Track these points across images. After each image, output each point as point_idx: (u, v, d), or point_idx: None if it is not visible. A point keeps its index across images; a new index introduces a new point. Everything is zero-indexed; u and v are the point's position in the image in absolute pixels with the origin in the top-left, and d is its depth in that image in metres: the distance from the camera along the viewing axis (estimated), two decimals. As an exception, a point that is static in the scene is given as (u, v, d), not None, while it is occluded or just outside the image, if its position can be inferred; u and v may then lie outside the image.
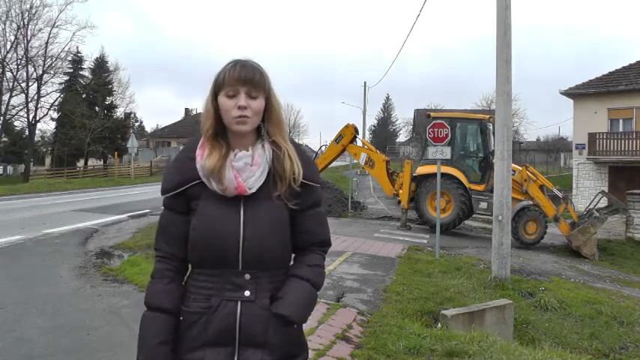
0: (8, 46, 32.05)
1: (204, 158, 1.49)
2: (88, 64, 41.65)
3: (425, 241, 11.34)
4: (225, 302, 1.47)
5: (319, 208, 1.62)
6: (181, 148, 1.63)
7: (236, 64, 1.49)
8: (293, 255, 1.63)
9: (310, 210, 1.59)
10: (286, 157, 1.52)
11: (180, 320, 1.51)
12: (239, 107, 1.46)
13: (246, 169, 1.48)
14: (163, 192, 1.54)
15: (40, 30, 32.79)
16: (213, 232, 1.46)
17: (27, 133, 36.51)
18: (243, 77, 1.46)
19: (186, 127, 48.74)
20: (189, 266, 1.58)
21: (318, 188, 1.61)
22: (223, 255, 1.46)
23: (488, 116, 13.62)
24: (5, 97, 32.73)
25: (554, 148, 48.83)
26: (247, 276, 1.48)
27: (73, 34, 36.04)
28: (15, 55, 32.45)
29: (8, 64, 32.35)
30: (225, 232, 1.46)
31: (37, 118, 34.62)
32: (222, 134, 1.53)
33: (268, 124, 1.54)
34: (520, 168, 12.65)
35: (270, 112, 1.53)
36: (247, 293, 1.47)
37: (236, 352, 1.47)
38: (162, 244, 1.57)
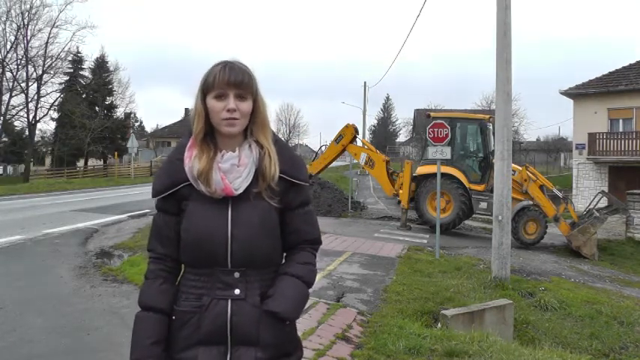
0: (8, 46, 32.00)
1: (192, 160, 1.51)
2: (88, 64, 41.78)
3: (425, 241, 11.34)
4: (216, 301, 1.48)
5: (308, 207, 1.64)
6: (173, 149, 1.65)
7: (225, 66, 1.51)
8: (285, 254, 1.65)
9: (299, 209, 1.61)
10: (267, 155, 1.54)
11: (173, 319, 1.53)
12: (228, 110, 1.49)
13: (233, 170, 1.50)
14: (154, 194, 1.57)
15: (40, 30, 32.76)
16: (202, 233, 1.48)
17: (27, 133, 36.46)
18: (233, 80, 1.49)
19: (186, 127, 48.24)
20: (183, 266, 1.60)
21: (306, 187, 1.63)
22: (212, 255, 1.48)
23: (488, 116, 13.61)
24: (5, 97, 32.68)
25: (554, 148, 48.84)
26: (237, 274, 1.49)
27: (73, 34, 36.13)
28: (15, 55, 32.43)
29: (8, 64, 32.29)
30: (214, 233, 1.48)
31: (37, 118, 34.58)
32: (211, 135, 1.56)
33: (253, 124, 1.56)
34: (520, 168, 12.65)
35: (256, 113, 1.55)
36: (237, 291, 1.49)
37: (229, 350, 1.49)
38: (155, 244, 1.59)
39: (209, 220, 1.49)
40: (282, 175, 1.55)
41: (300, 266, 1.58)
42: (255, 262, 1.51)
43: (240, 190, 1.50)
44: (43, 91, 34.31)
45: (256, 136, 1.56)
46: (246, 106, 1.52)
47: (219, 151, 1.53)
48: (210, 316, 1.48)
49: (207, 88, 1.51)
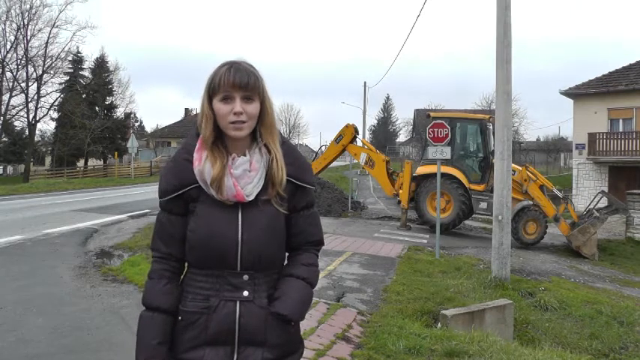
0: (8, 46, 32.08)
1: (202, 164, 1.49)
2: (88, 64, 41.81)
3: (425, 241, 11.34)
4: (225, 302, 1.49)
5: (313, 209, 1.65)
6: (178, 148, 1.63)
7: (230, 67, 1.49)
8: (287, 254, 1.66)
9: (305, 211, 1.62)
10: (274, 161, 1.53)
11: (179, 320, 1.53)
12: (235, 113, 1.47)
13: (245, 176, 1.50)
14: (161, 195, 1.55)
15: (40, 30, 32.81)
16: (212, 236, 1.48)
17: (27, 133, 36.51)
18: (238, 82, 1.46)
19: (186, 127, 48.70)
20: (186, 266, 1.59)
21: (312, 190, 1.63)
22: (222, 257, 1.48)
23: (488, 116, 13.62)
24: (5, 97, 32.71)
25: (554, 148, 48.85)
26: (245, 277, 1.50)
27: (73, 34, 36.18)
28: (15, 55, 32.48)
29: (8, 64, 32.35)
30: (224, 236, 1.48)
31: (37, 118, 34.62)
32: (220, 138, 1.54)
33: (261, 126, 1.55)
34: (520, 168, 12.65)
35: (263, 114, 1.54)
36: (246, 293, 1.49)
37: (235, 350, 1.49)
38: (159, 244, 1.58)
39: (219, 223, 1.49)
40: (288, 177, 1.55)
41: (305, 268, 1.60)
42: (263, 265, 1.52)
43: (252, 197, 1.50)
44: (43, 91, 34.42)
45: (265, 138, 1.55)
46: (253, 108, 1.49)
47: (229, 155, 1.52)
48: (218, 317, 1.48)
49: (212, 90, 1.49)
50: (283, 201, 1.55)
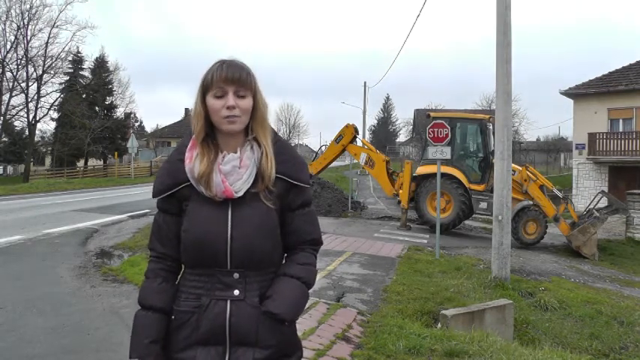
0: (8, 46, 32.09)
1: (192, 161, 1.50)
2: (88, 64, 41.84)
3: (425, 241, 11.34)
4: (215, 301, 1.48)
5: (309, 208, 1.64)
6: (174, 149, 1.64)
7: (222, 64, 1.51)
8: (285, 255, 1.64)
9: (300, 209, 1.60)
10: (264, 155, 1.53)
11: (172, 319, 1.53)
12: (228, 107, 1.48)
13: (234, 172, 1.50)
14: (154, 195, 1.57)
15: (40, 30, 32.83)
16: (202, 234, 1.48)
17: (27, 133, 36.53)
18: (231, 77, 1.48)
19: (186, 127, 48.46)
20: (183, 266, 1.60)
21: (307, 188, 1.62)
22: (212, 256, 1.48)
23: (488, 116, 13.61)
24: (5, 97, 32.72)
25: (554, 148, 48.87)
26: (236, 275, 1.49)
27: (73, 34, 36.05)
28: (15, 55, 32.49)
29: (8, 64, 32.35)
30: (214, 233, 1.48)
31: (37, 118, 34.63)
32: (212, 136, 1.55)
33: (253, 122, 1.55)
34: (520, 168, 12.65)
35: (255, 110, 1.54)
36: (236, 292, 1.49)
37: (227, 350, 1.49)
38: (156, 244, 1.59)
39: (209, 221, 1.49)
40: (283, 176, 1.54)
41: (299, 267, 1.58)
42: (254, 263, 1.50)
43: (241, 193, 1.49)
44: (43, 91, 34.43)
45: (255, 133, 1.55)
46: (246, 103, 1.50)
47: (220, 153, 1.53)
48: (208, 317, 1.48)
49: (206, 86, 1.50)
50: (272, 195, 1.52)
